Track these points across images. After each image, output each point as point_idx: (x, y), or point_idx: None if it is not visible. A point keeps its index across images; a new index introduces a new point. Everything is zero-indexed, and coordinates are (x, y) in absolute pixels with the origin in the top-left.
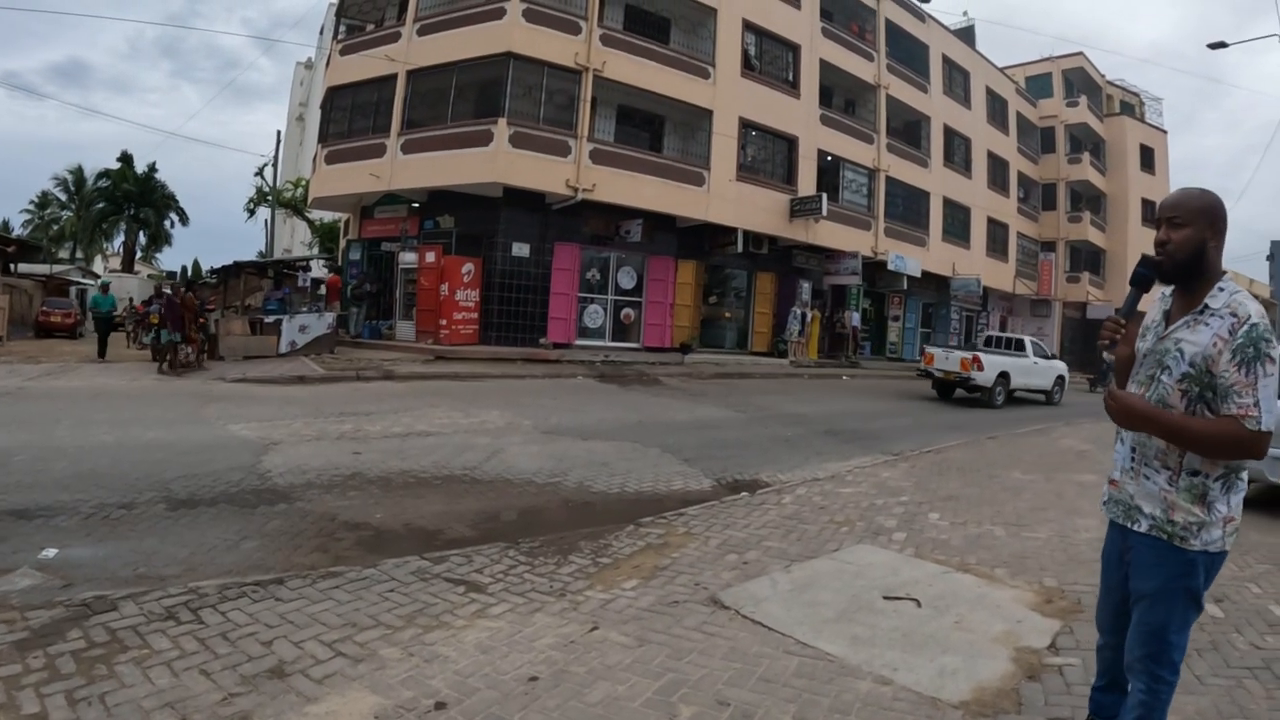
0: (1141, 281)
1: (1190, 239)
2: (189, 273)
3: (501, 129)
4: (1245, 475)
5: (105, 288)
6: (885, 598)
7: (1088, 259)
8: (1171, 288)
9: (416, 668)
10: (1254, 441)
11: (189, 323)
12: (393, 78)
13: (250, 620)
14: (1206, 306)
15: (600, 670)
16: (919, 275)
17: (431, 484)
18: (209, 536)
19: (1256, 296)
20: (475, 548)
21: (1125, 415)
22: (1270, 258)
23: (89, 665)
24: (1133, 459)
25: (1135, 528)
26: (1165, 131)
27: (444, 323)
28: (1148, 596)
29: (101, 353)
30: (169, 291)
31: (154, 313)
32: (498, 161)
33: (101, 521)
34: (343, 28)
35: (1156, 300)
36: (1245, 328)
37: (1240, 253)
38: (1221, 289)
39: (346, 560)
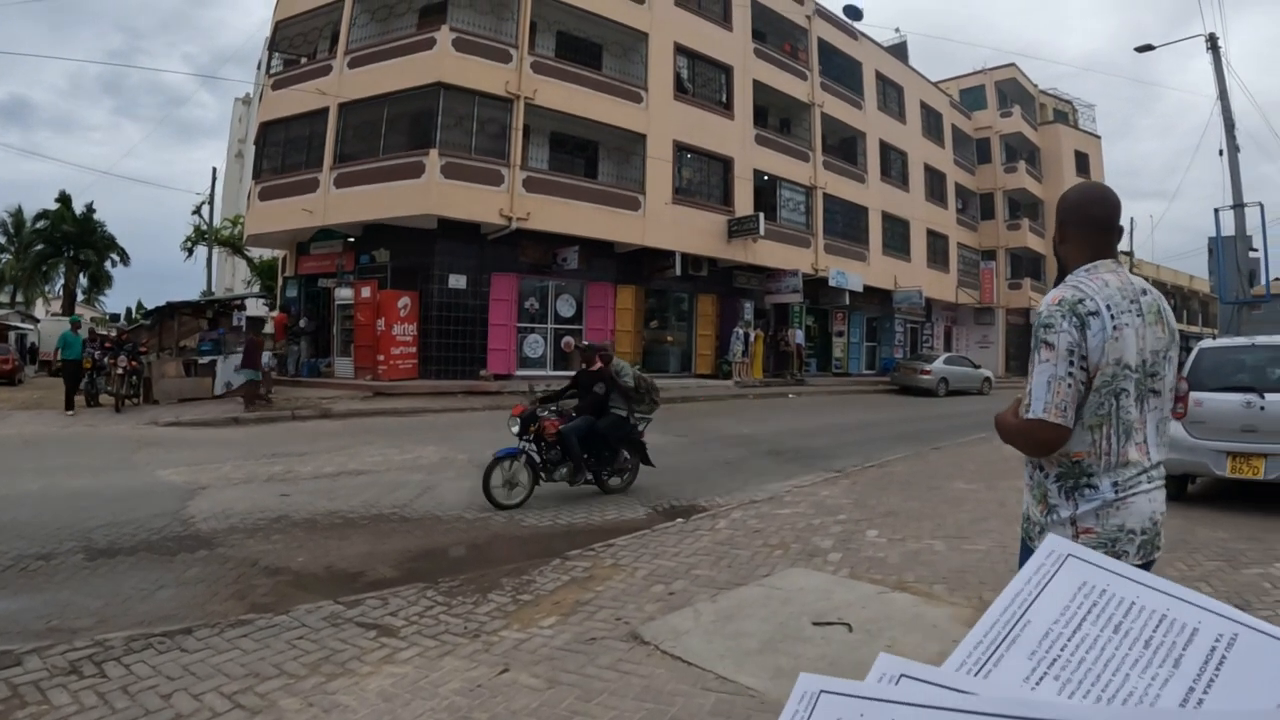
0: None
1: (1055, 244)
2: (132, 314)
3: (434, 160)
4: (1106, 486)
5: (76, 325)
6: (815, 624)
7: (1028, 265)
8: None
9: (314, 719)
10: (1025, 429)
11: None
12: (324, 111)
13: (153, 673)
14: None
15: (504, 716)
16: (861, 290)
17: (358, 524)
18: (125, 586)
19: (1195, 292)
20: (394, 589)
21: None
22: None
23: None
24: None
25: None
26: (1099, 137)
27: (382, 358)
28: None
29: (69, 403)
30: (249, 334)
31: (87, 357)
32: (431, 193)
33: (18, 574)
34: (276, 62)
35: None
36: (1036, 318)
37: (1179, 250)
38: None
39: (262, 607)
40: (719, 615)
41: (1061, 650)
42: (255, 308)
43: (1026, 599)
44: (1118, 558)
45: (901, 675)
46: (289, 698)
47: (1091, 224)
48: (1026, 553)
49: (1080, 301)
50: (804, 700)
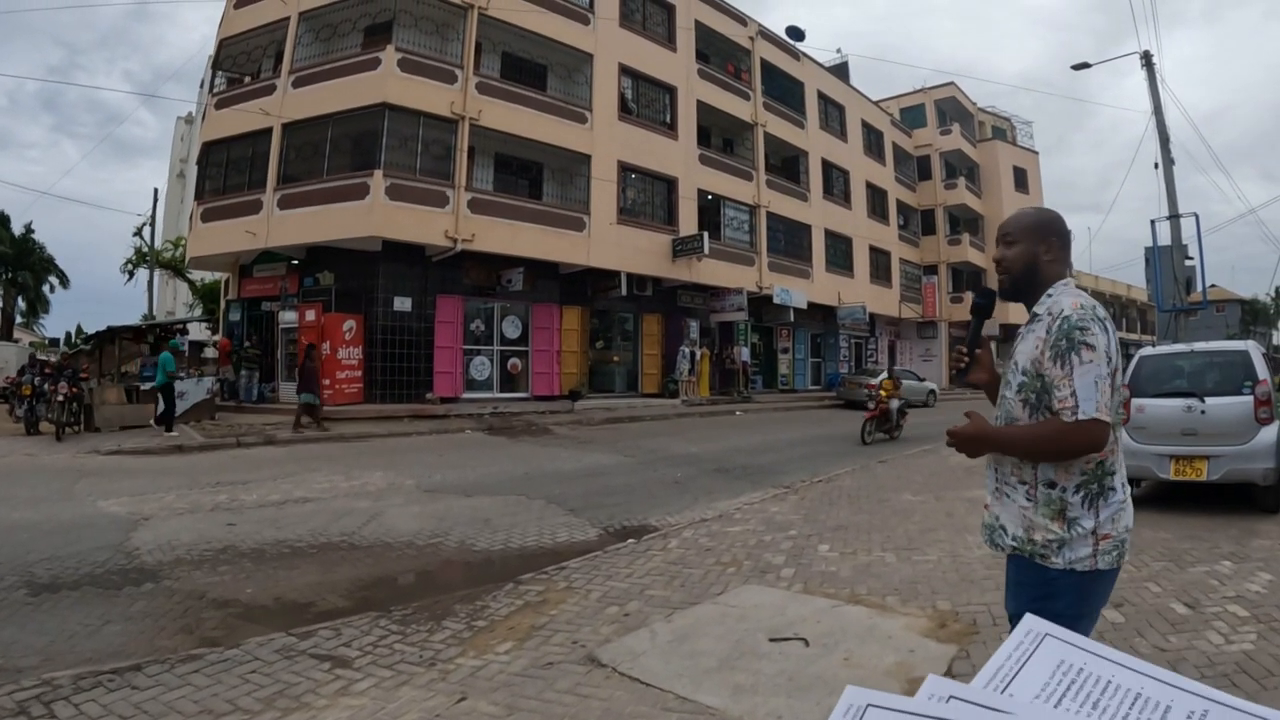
0: (980, 310)
1: (1021, 254)
2: (72, 339)
3: (378, 181)
4: (1119, 485)
5: (176, 349)
6: (771, 640)
7: (970, 279)
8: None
9: None
10: (1076, 432)
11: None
12: (268, 131)
13: (104, 712)
14: (1035, 314)
15: None
16: (805, 307)
17: (307, 553)
18: (70, 622)
19: (1133, 301)
20: (346, 619)
21: (964, 444)
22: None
23: None
24: (995, 479)
25: (1002, 548)
26: (1036, 153)
27: (327, 382)
28: (1013, 619)
29: (168, 422)
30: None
31: (26, 383)
32: (375, 215)
33: None
34: (219, 81)
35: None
36: (1058, 323)
37: (1114, 261)
38: (1050, 295)
39: (212, 640)
40: (675, 635)
41: None
42: (198, 332)
43: (1007, 675)
44: (1122, 557)
45: (951, 697)
46: None
47: (1065, 241)
48: (1035, 570)
49: (1096, 307)
50: (849, 713)
